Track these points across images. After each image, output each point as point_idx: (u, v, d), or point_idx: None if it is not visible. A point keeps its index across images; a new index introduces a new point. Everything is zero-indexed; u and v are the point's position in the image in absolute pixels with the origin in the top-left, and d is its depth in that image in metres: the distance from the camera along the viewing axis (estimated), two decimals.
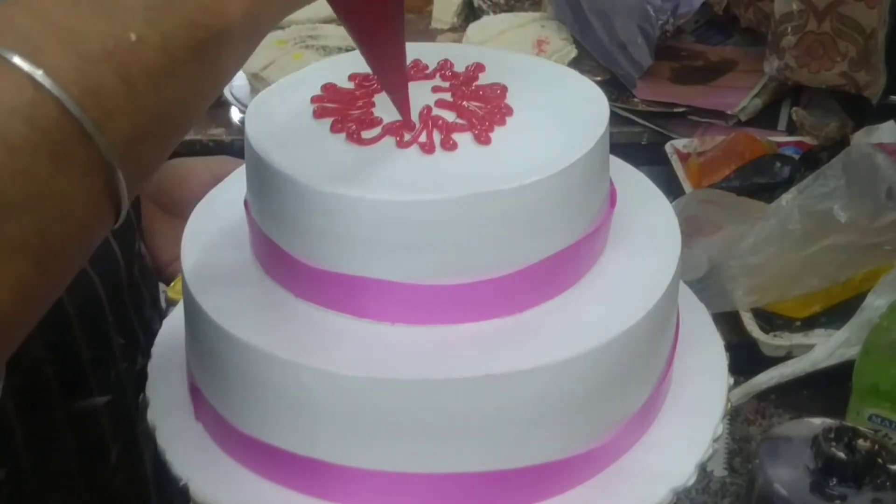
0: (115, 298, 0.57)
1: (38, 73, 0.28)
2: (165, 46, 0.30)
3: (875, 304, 0.75)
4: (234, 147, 1.20)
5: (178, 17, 0.31)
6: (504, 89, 0.47)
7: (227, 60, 0.33)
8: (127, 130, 0.30)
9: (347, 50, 0.53)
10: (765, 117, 1.20)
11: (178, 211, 0.65)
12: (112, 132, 0.29)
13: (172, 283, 0.67)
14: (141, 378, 0.51)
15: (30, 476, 0.51)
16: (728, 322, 0.78)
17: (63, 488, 0.54)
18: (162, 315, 0.64)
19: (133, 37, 0.30)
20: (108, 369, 0.56)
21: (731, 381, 0.51)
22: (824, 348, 0.76)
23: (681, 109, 1.21)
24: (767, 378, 0.76)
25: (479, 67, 0.49)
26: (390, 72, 0.43)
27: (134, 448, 0.58)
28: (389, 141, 0.44)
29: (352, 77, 0.48)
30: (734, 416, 0.75)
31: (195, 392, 0.47)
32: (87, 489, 0.55)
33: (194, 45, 0.31)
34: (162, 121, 0.31)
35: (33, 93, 0.28)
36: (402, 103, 0.44)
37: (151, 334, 0.55)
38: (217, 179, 0.54)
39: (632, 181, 0.52)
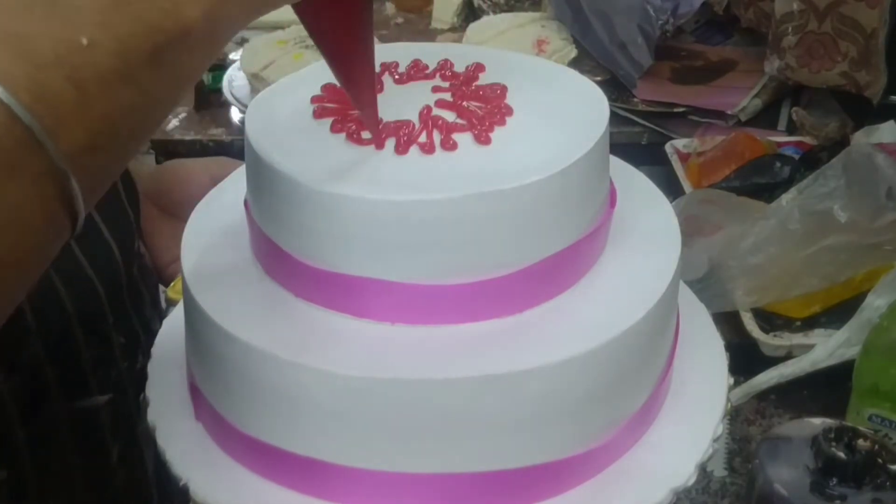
0: (114, 298, 0.57)
1: None
2: (120, 51, 0.29)
3: (875, 304, 0.75)
4: (234, 147, 1.20)
5: (133, 21, 0.30)
6: (504, 89, 0.47)
7: (186, 65, 0.32)
8: (80, 137, 0.29)
9: None
10: (765, 117, 1.20)
11: (178, 212, 0.65)
12: (65, 139, 0.29)
13: (172, 284, 0.67)
14: (141, 378, 0.51)
15: (31, 476, 0.51)
16: (728, 322, 0.78)
17: (64, 488, 0.54)
18: (161, 315, 0.64)
19: (85, 41, 0.29)
20: (108, 369, 0.56)
21: (731, 381, 0.51)
22: (824, 348, 0.76)
23: (681, 109, 1.21)
24: (767, 378, 0.76)
25: (479, 67, 0.49)
26: (360, 89, 0.43)
27: (135, 447, 0.58)
28: (389, 141, 0.44)
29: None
30: (734, 416, 0.75)
31: (195, 392, 0.47)
32: (88, 488, 0.55)
33: (151, 50, 0.30)
34: (117, 127, 0.31)
35: None
36: (371, 119, 0.43)
37: (151, 334, 0.55)
38: (216, 181, 0.54)
39: (632, 181, 0.52)
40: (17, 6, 0.29)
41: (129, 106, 0.30)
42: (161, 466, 0.47)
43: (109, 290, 0.56)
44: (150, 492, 0.60)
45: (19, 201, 0.28)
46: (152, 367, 0.51)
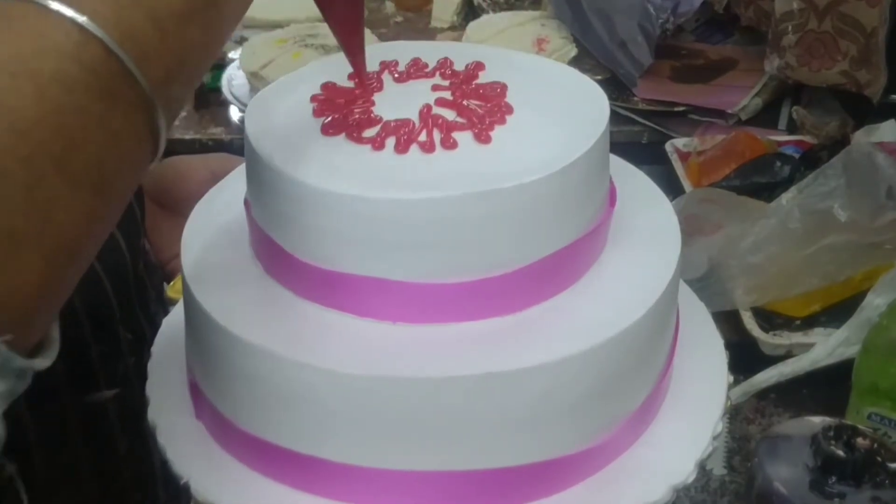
0: (121, 294, 0.57)
1: (82, 19, 0.30)
2: None
3: (875, 302, 0.75)
4: (234, 146, 1.20)
5: None
6: (504, 88, 0.47)
7: (233, 8, 0.36)
8: (161, 70, 0.32)
9: None
10: (765, 116, 1.20)
11: (178, 209, 0.65)
12: (149, 71, 0.32)
13: (172, 283, 0.67)
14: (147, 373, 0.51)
15: (40, 470, 0.51)
16: (728, 321, 0.78)
17: (73, 482, 0.54)
18: (167, 311, 0.64)
19: None
20: (115, 364, 0.57)
21: (731, 379, 0.51)
22: (824, 347, 0.76)
23: (681, 108, 1.21)
24: (767, 377, 0.76)
25: (479, 66, 0.49)
26: (349, 35, 0.45)
27: (142, 442, 0.58)
28: (389, 140, 0.44)
29: (351, 76, 0.48)
30: (734, 414, 0.75)
31: (195, 390, 0.48)
32: (96, 483, 0.56)
33: None
34: (187, 62, 0.34)
35: (79, 36, 0.30)
36: (359, 67, 0.46)
37: (157, 330, 0.55)
38: (217, 177, 0.55)
39: (632, 180, 0.52)
40: None
41: (195, 42, 0.34)
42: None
43: (116, 285, 0.57)
44: (157, 487, 0.60)
45: (119, 129, 0.32)
46: (152, 366, 0.52)
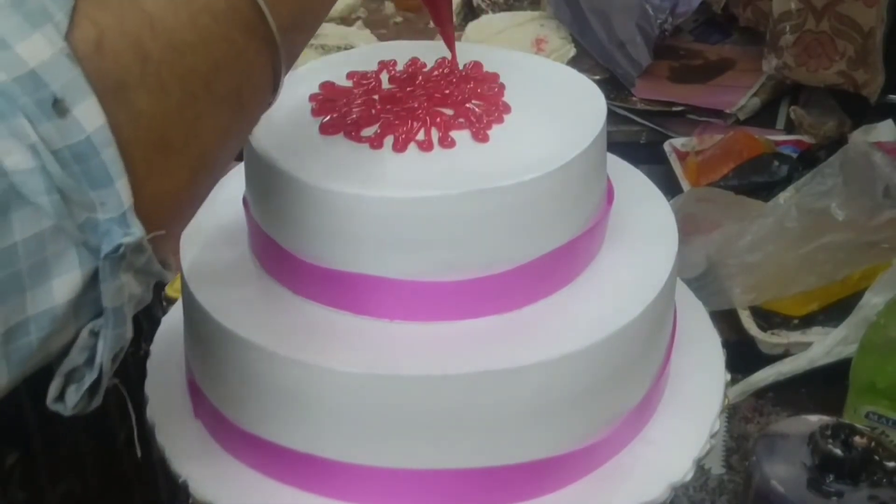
0: None
1: None
2: None
3: (872, 301, 0.75)
4: None
5: None
6: (502, 87, 0.47)
7: None
8: (286, 18, 0.35)
9: (346, 49, 0.53)
10: (763, 116, 1.20)
11: None
12: (278, 17, 0.34)
13: (171, 282, 0.67)
14: (145, 364, 0.51)
15: (42, 458, 0.52)
16: (726, 320, 0.78)
17: (74, 471, 0.55)
18: (163, 302, 0.65)
19: None
20: None
21: (729, 377, 0.51)
22: (822, 346, 0.76)
23: (679, 108, 1.21)
24: (765, 376, 0.76)
25: (478, 65, 0.49)
26: (439, 6, 0.48)
27: (141, 432, 0.59)
28: (388, 139, 0.44)
29: (350, 75, 0.48)
30: (732, 413, 0.75)
31: (194, 389, 0.48)
32: (98, 472, 0.56)
33: None
34: (306, 13, 0.37)
35: None
36: (448, 37, 0.48)
37: (154, 321, 0.55)
38: None
39: (630, 179, 0.52)
40: None
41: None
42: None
43: None
44: (158, 478, 0.61)
45: (254, 61, 0.34)
46: (151, 365, 0.52)
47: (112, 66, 0.30)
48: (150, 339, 0.53)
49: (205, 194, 0.36)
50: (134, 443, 0.57)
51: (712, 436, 0.47)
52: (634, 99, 1.23)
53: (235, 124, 0.35)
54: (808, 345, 0.77)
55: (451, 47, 0.48)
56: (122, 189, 0.30)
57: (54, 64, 0.28)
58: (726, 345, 0.52)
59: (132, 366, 0.58)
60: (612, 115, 0.46)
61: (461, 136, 0.44)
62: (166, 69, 0.31)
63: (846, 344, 0.74)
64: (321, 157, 0.43)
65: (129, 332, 0.33)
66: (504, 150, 0.43)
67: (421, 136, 0.44)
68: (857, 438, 0.53)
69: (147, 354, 0.52)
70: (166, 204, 0.33)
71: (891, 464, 0.53)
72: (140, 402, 0.49)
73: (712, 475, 0.69)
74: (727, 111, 1.19)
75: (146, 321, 0.60)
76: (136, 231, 0.30)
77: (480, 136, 0.44)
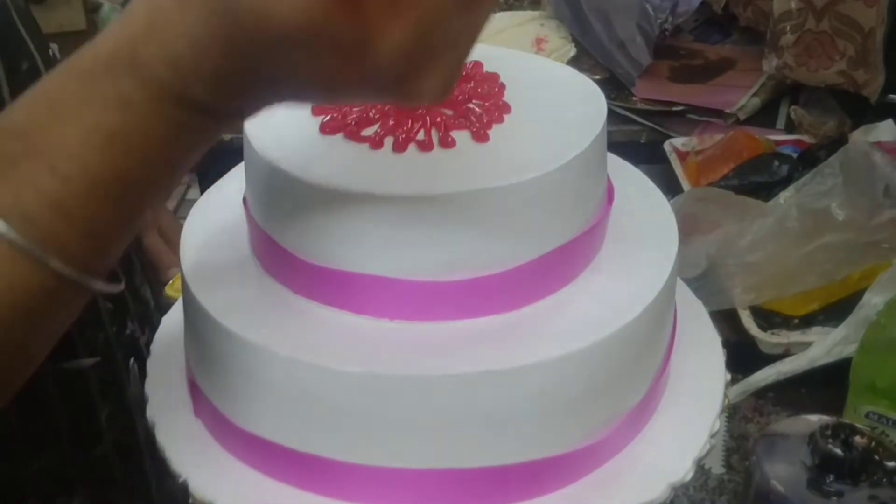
0: None
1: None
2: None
3: (872, 301, 0.75)
4: (234, 145, 1.19)
5: None
6: (502, 87, 0.47)
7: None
8: (76, 249, 0.33)
9: None
10: (763, 116, 1.20)
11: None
12: (61, 255, 0.33)
13: (171, 281, 0.67)
14: (130, 343, 0.51)
15: (17, 427, 0.52)
16: (726, 320, 0.78)
17: (52, 444, 0.55)
18: (152, 282, 0.65)
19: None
20: (95, 332, 0.57)
21: (729, 377, 0.51)
22: (822, 346, 0.76)
23: (679, 108, 1.21)
24: (765, 376, 0.76)
25: (478, 65, 0.49)
26: None
27: (124, 412, 0.59)
28: (388, 138, 0.44)
29: None
30: (732, 413, 0.75)
31: (194, 389, 0.48)
32: (76, 446, 0.56)
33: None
34: (235, 77, 0.33)
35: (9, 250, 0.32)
36: None
37: (141, 301, 0.55)
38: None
39: (630, 179, 0.52)
40: None
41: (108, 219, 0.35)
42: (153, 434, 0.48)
43: None
44: (143, 456, 0.61)
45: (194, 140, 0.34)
46: (151, 365, 0.52)
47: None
48: (137, 321, 0.53)
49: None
50: (117, 423, 0.57)
51: (712, 436, 0.47)
52: (634, 99, 1.23)
53: (168, 180, 0.35)
54: (808, 345, 0.77)
55: None
56: None
57: None
58: (726, 345, 0.52)
59: (116, 346, 0.58)
60: (612, 115, 0.46)
61: (461, 135, 0.44)
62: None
63: (846, 344, 0.74)
64: (321, 157, 0.43)
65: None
66: (504, 150, 0.43)
67: (421, 135, 0.44)
68: (857, 438, 0.53)
69: (134, 335, 0.52)
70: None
71: (891, 464, 0.53)
72: (124, 383, 0.49)
73: (712, 475, 0.69)
74: (727, 111, 1.19)
75: (134, 303, 0.60)
76: None
77: (480, 136, 0.44)
